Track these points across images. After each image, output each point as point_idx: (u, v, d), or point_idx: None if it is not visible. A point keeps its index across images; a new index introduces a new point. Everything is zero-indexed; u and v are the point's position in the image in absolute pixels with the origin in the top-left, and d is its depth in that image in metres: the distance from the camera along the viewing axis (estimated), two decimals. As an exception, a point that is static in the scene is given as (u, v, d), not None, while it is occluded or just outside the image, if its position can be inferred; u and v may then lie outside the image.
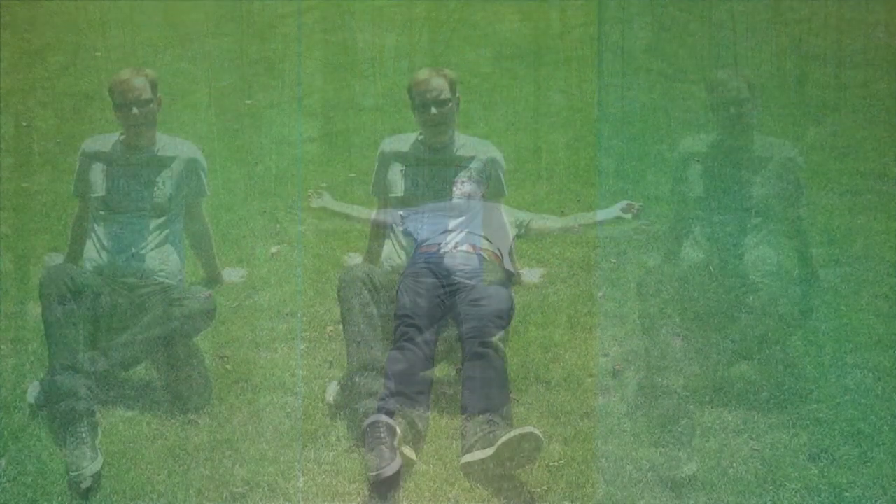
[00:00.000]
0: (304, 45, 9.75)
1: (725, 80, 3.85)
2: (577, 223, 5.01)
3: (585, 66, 8.75)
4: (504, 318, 3.76)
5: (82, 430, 3.22)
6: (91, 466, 3.10)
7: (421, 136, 4.15)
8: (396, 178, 4.14)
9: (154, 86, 3.94)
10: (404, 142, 4.19)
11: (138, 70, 3.93)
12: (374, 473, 3.03)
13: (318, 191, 5.46)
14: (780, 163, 3.94)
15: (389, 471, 3.02)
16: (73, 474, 3.09)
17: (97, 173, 4.00)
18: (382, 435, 3.12)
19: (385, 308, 3.66)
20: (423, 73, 4.02)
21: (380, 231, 4.29)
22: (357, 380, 3.38)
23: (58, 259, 4.50)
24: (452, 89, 4.03)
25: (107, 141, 4.06)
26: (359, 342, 3.48)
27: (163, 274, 3.89)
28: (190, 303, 3.59)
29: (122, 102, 3.88)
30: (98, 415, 3.37)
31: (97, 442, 3.24)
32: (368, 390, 3.34)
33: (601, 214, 5.10)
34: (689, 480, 3.10)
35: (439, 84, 3.97)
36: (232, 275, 4.47)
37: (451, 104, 4.02)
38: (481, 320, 3.55)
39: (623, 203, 5.19)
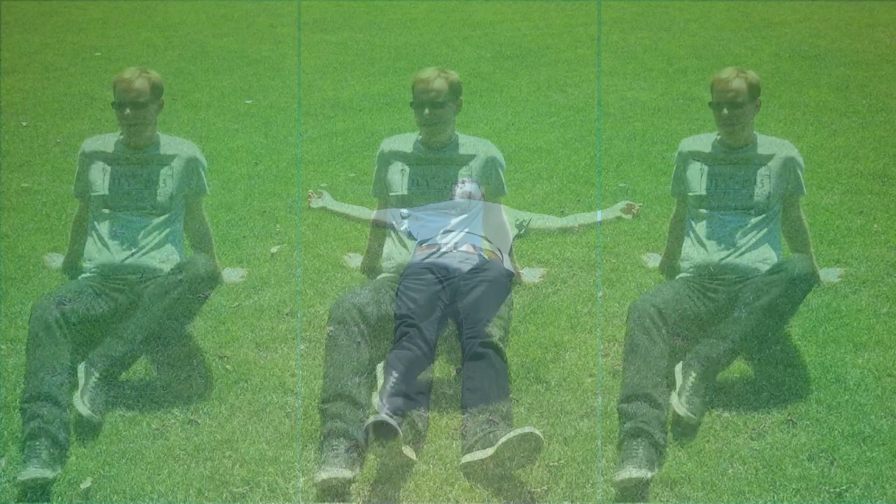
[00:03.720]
0: (304, 45, 9.75)
1: (727, 80, 3.85)
2: (577, 223, 5.00)
3: (585, 66, 8.75)
4: (504, 318, 3.76)
5: (39, 445, 3.17)
6: (34, 471, 3.05)
7: (420, 136, 4.15)
8: (396, 178, 4.14)
9: (156, 88, 3.94)
10: (404, 142, 4.19)
11: (143, 71, 3.93)
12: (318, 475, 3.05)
13: (318, 191, 5.46)
14: (780, 162, 3.95)
15: (326, 475, 3.03)
16: (17, 475, 3.07)
17: (97, 173, 4.00)
18: (336, 445, 3.14)
19: (374, 350, 3.60)
20: (426, 73, 4.02)
21: (380, 231, 4.30)
22: (325, 406, 3.34)
23: (58, 259, 4.50)
24: (453, 92, 4.03)
25: (107, 140, 4.07)
26: (336, 375, 3.41)
27: (163, 273, 3.89)
28: (193, 267, 3.59)
29: (119, 101, 3.89)
30: (63, 437, 3.25)
31: (57, 461, 3.16)
32: (336, 414, 3.28)
33: (601, 214, 5.10)
34: (689, 480, 3.10)
35: (439, 86, 3.97)
36: (232, 275, 4.47)
37: (447, 107, 4.01)
38: (481, 321, 3.55)
39: (623, 203, 5.19)
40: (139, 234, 3.91)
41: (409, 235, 4.07)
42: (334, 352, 3.47)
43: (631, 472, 3.03)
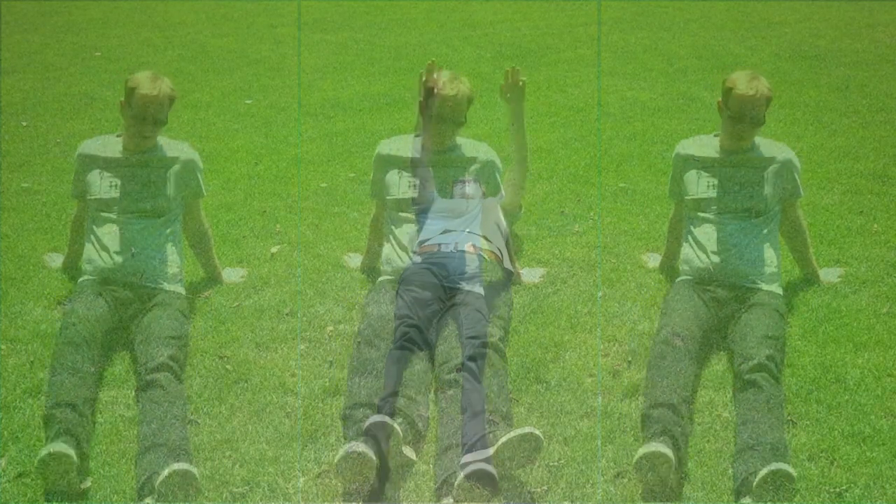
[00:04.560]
0: (304, 45, 9.75)
1: (755, 97, 3.79)
2: (515, 140, 4.45)
3: (585, 66, 8.75)
4: (504, 318, 3.77)
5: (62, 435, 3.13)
6: (58, 445, 3.02)
7: (419, 136, 4.15)
8: (394, 180, 4.14)
9: (172, 102, 3.96)
10: (402, 143, 4.20)
11: (162, 83, 3.90)
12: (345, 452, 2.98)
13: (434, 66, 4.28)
14: (778, 165, 3.95)
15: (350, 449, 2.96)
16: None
17: (95, 175, 4.00)
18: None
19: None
20: (452, 87, 4.03)
21: (379, 231, 4.30)
22: (355, 390, 3.35)
23: (58, 259, 4.50)
24: (468, 105, 4.08)
25: (105, 142, 4.07)
26: (361, 383, 3.42)
27: (163, 276, 3.90)
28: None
29: (140, 114, 3.87)
30: (85, 436, 3.24)
31: (81, 444, 3.16)
32: (360, 419, 3.25)
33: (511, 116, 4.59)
34: (689, 480, 3.10)
35: (465, 103, 4.07)
36: (232, 275, 4.47)
37: (464, 119, 4.11)
38: (481, 320, 3.55)
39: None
40: (138, 236, 3.91)
41: (409, 236, 4.03)
42: (362, 360, 3.48)
43: (654, 447, 2.95)
